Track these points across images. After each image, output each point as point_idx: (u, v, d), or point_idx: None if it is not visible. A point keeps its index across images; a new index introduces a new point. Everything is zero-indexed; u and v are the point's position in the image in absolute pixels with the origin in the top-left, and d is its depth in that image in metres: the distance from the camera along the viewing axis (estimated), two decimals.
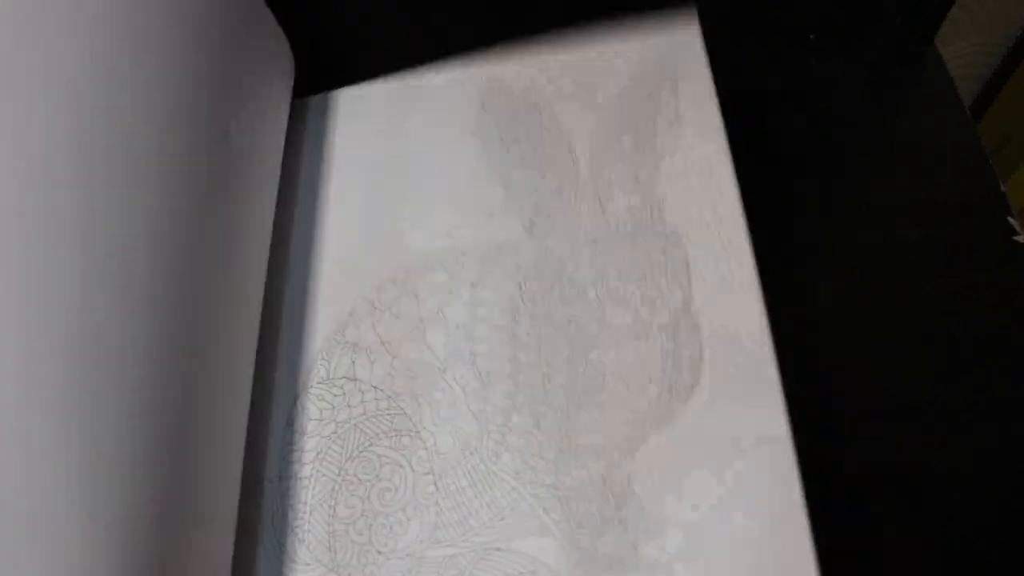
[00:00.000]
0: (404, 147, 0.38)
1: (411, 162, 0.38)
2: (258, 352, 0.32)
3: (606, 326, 0.32)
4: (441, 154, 0.38)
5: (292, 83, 0.39)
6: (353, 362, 0.33)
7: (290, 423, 0.32)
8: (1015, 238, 0.38)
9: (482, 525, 0.29)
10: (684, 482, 0.28)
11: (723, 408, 0.29)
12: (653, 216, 0.34)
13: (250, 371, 0.31)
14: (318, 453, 0.31)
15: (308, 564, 0.29)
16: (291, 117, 0.39)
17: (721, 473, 0.28)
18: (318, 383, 0.33)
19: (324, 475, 0.31)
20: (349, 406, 0.32)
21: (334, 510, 0.30)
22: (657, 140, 0.35)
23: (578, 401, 0.31)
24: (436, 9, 0.46)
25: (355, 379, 0.33)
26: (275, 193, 0.35)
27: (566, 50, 0.39)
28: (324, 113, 0.40)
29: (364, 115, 0.40)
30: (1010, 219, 0.39)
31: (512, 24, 0.44)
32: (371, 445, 0.31)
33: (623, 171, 0.35)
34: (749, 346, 0.30)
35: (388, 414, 0.32)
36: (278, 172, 0.36)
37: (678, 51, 0.37)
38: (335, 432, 0.32)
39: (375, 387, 0.33)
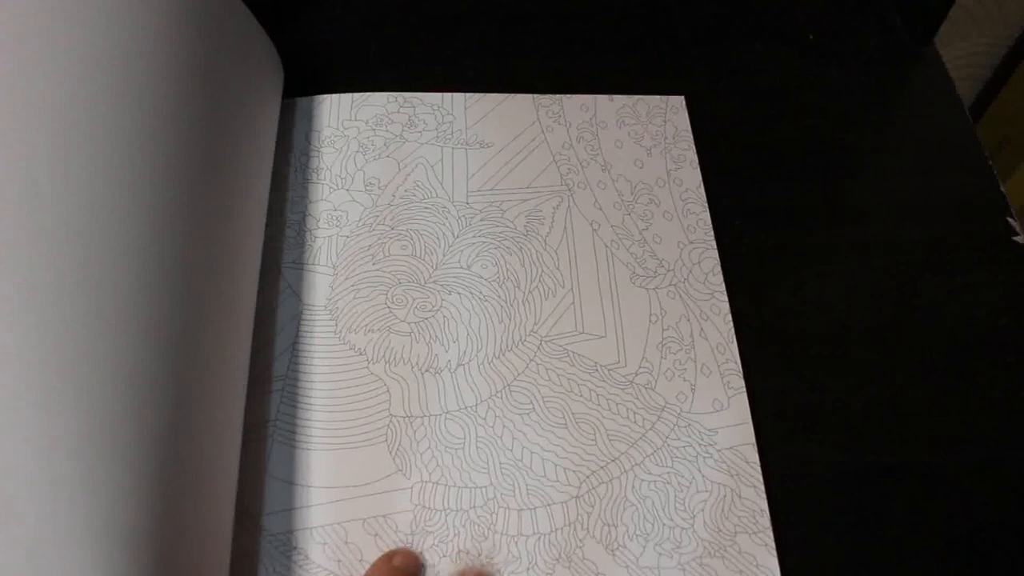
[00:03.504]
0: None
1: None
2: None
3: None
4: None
5: (281, 85, 0.39)
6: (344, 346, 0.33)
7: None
8: (1015, 238, 0.38)
9: None
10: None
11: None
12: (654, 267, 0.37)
13: (246, 362, 0.31)
14: None
15: None
16: (281, 116, 0.39)
17: None
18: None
19: None
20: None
21: None
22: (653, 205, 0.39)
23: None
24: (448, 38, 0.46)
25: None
26: (267, 189, 0.35)
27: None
28: (311, 115, 0.41)
29: (360, 121, 0.40)
30: (1010, 219, 0.39)
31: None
32: None
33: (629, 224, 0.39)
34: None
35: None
36: (269, 169, 0.36)
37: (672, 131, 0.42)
38: None
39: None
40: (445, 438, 0.32)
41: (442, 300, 0.35)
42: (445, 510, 0.31)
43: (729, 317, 0.35)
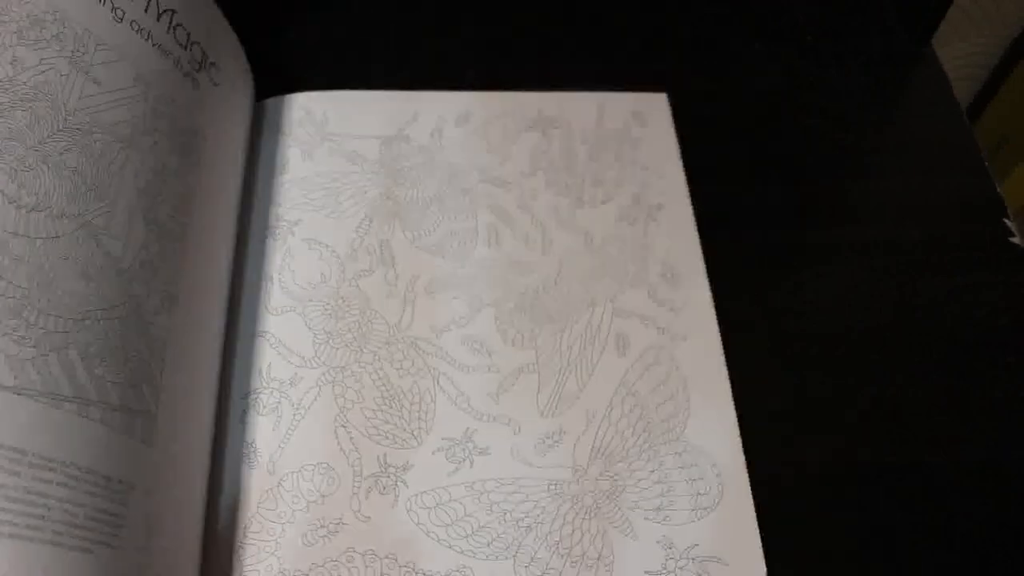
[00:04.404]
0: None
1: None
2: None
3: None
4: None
5: (252, 93, 0.39)
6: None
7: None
8: (1011, 239, 0.39)
9: None
10: None
11: None
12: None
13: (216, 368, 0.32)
14: None
15: None
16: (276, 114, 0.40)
17: None
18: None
19: None
20: None
21: None
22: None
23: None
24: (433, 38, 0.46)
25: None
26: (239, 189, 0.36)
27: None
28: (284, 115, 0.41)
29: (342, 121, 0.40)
30: (1006, 221, 0.39)
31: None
32: None
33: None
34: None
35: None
36: (240, 173, 0.36)
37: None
38: None
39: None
40: None
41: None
42: None
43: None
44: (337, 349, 0.33)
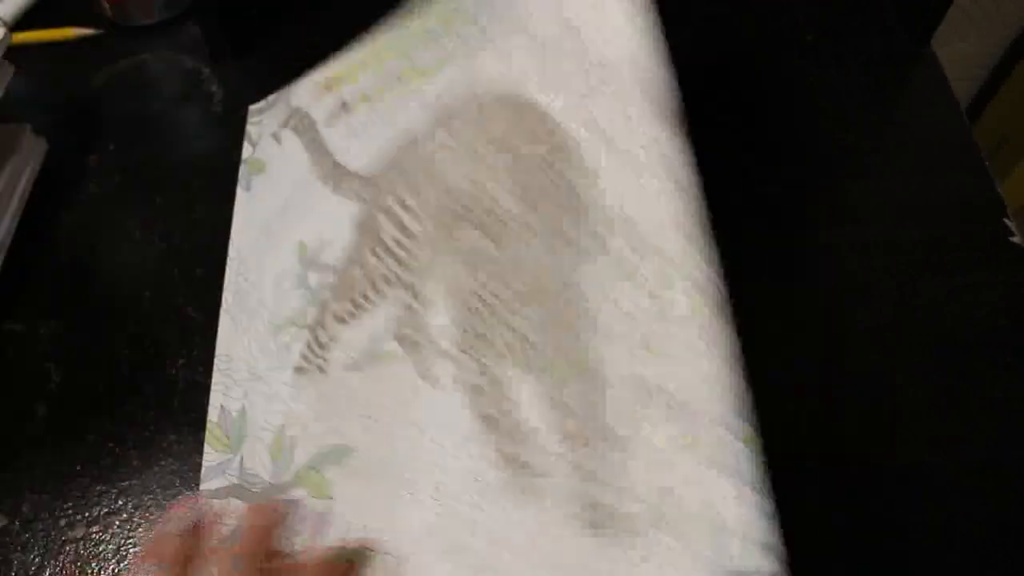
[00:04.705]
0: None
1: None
2: None
3: None
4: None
5: None
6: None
7: None
8: (1011, 239, 0.39)
9: None
10: None
11: None
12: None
13: None
14: None
15: None
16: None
17: None
18: None
19: None
20: None
21: None
22: None
23: None
24: None
25: None
26: None
27: None
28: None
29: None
30: (1006, 220, 0.39)
31: None
32: None
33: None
34: None
35: None
36: None
37: None
38: None
39: None
40: None
41: None
42: None
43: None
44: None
